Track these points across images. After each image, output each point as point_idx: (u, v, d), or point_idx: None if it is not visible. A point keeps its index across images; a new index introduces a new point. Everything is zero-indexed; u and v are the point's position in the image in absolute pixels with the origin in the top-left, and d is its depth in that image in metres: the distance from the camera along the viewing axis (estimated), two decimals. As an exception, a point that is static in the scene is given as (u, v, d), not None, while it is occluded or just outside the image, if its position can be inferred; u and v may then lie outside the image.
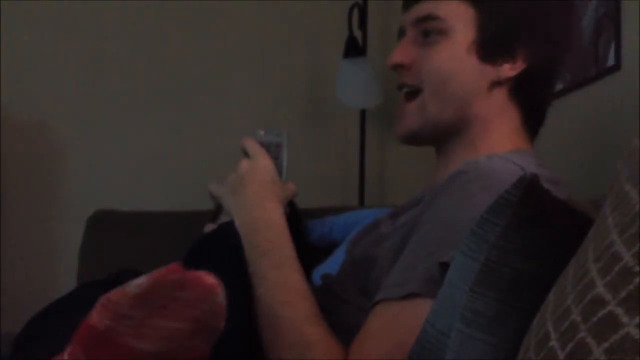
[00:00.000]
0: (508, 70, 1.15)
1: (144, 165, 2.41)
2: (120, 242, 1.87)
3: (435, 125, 1.18)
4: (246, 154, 1.23)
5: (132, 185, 2.40)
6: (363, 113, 2.37)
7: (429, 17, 1.16)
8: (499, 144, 1.16)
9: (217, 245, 1.15)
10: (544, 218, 0.71)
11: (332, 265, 1.47)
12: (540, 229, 0.70)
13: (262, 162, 1.21)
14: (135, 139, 2.42)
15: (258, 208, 1.17)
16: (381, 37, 2.45)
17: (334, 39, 2.39)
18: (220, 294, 0.84)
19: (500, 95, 1.16)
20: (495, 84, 1.16)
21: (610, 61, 1.50)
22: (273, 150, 1.24)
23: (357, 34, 2.31)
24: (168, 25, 2.44)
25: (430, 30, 1.16)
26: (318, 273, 1.49)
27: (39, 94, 2.39)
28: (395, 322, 0.99)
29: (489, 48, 1.15)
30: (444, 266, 0.91)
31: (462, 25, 1.15)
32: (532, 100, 1.19)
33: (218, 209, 1.25)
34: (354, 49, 2.27)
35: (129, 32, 2.42)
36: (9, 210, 2.37)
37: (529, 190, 0.72)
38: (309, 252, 1.63)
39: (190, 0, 2.42)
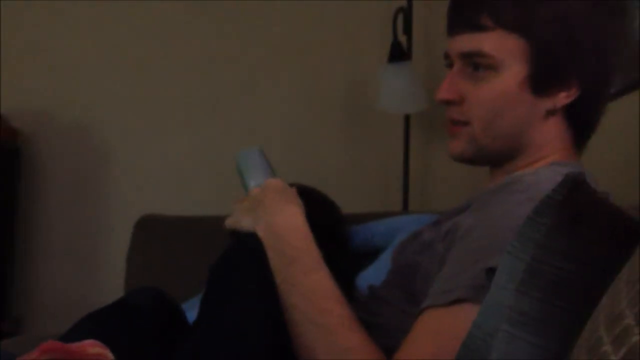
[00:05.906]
0: (563, 98, 1.12)
1: (190, 169, 2.42)
2: (166, 247, 1.89)
3: (487, 155, 1.16)
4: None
5: (177, 189, 2.42)
6: (407, 118, 2.36)
7: (475, 54, 1.12)
8: (551, 159, 1.14)
9: (242, 258, 1.13)
10: (589, 218, 0.70)
11: (376, 271, 1.46)
12: (585, 229, 0.69)
13: (270, 181, 1.20)
14: (180, 144, 2.44)
15: (278, 215, 1.15)
16: (426, 42, 2.43)
17: (377, 44, 2.38)
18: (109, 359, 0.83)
19: (556, 121, 1.14)
20: (551, 112, 1.13)
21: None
22: (264, 168, 1.23)
23: (402, 38, 2.30)
24: (209, 31, 2.46)
25: (478, 64, 1.12)
26: (361, 279, 1.48)
27: (85, 98, 2.43)
28: (442, 328, 0.99)
29: (544, 82, 1.11)
30: (490, 272, 0.90)
31: (512, 60, 1.10)
32: (586, 120, 1.17)
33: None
34: (399, 53, 2.26)
35: (172, 38, 2.45)
36: (55, 215, 2.41)
37: (573, 190, 0.71)
38: (351, 257, 1.63)
39: (231, 7, 2.44)
